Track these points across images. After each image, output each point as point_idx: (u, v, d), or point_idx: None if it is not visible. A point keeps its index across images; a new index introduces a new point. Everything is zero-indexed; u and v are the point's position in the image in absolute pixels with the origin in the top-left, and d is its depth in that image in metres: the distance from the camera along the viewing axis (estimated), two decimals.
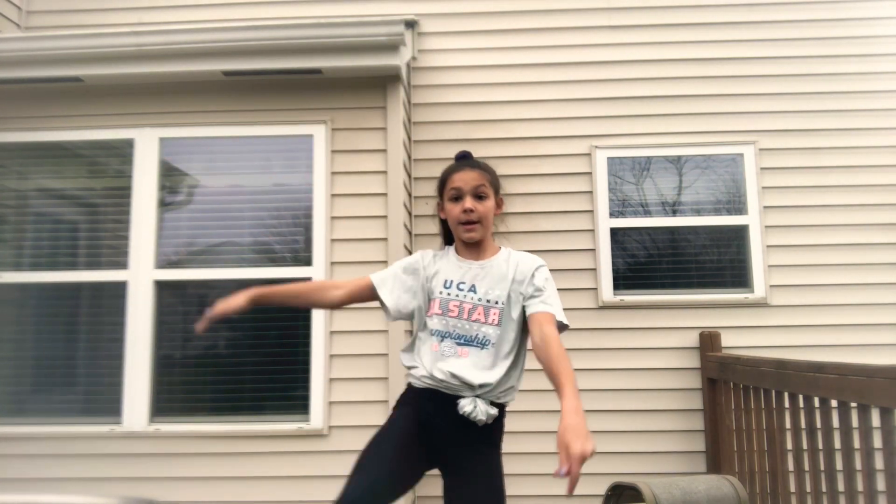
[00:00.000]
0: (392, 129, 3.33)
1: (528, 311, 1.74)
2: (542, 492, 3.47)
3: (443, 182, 1.88)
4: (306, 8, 4.06)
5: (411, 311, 1.85)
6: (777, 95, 3.87)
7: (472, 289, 1.78)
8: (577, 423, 1.38)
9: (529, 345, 1.77)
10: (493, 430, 1.78)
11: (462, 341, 1.74)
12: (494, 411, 1.72)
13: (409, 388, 1.85)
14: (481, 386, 1.72)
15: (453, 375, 1.71)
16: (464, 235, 1.82)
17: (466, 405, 1.69)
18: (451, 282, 1.80)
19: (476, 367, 1.72)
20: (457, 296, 1.77)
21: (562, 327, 1.72)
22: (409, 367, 1.84)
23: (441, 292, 1.79)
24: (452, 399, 1.72)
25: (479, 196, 1.81)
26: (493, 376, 1.72)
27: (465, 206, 1.79)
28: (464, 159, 1.92)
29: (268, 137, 3.42)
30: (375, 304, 1.92)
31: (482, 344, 1.73)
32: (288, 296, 1.95)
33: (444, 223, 1.95)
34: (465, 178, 1.82)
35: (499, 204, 1.89)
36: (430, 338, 1.78)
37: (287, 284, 1.97)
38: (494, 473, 1.75)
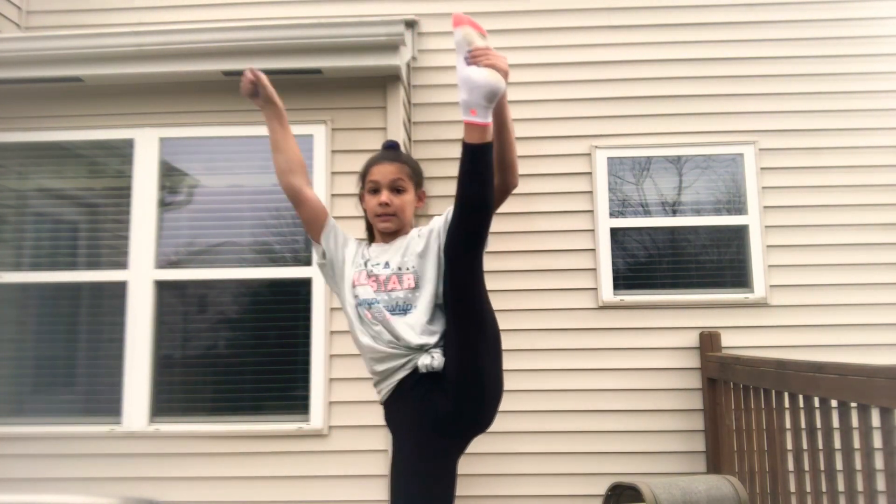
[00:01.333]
0: (392, 129, 3.33)
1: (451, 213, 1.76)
2: (543, 492, 3.47)
3: (364, 174, 1.92)
4: (306, 8, 4.05)
5: (333, 253, 1.89)
6: (777, 95, 3.86)
7: (386, 264, 1.82)
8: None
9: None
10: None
11: (388, 308, 1.76)
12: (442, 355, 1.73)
13: (385, 411, 1.83)
14: (421, 347, 1.72)
15: (397, 337, 1.72)
16: (379, 226, 1.87)
17: (424, 360, 1.70)
18: (369, 259, 1.85)
19: (407, 327, 1.73)
20: (372, 270, 1.81)
21: None
22: (372, 375, 1.82)
23: (361, 265, 1.83)
24: (411, 377, 1.72)
25: (396, 189, 1.85)
26: (426, 336, 1.73)
27: (381, 199, 1.83)
28: (389, 149, 1.95)
29: (268, 137, 3.41)
30: None
31: (404, 310, 1.76)
32: (275, 132, 2.03)
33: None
34: (384, 172, 1.85)
35: (420, 197, 1.93)
36: (360, 310, 1.79)
37: (283, 134, 2.02)
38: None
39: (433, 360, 1.71)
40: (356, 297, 1.81)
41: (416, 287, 1.78)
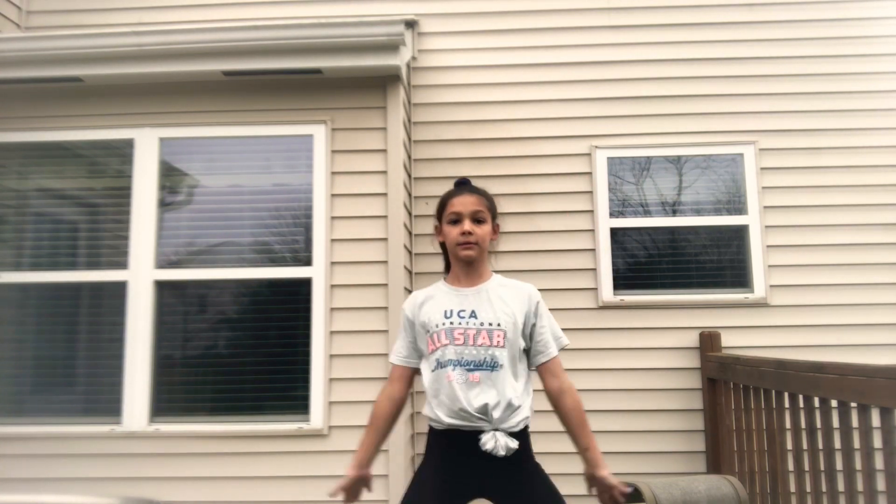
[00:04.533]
0: (392, 129, 3.33)
1: (538, 358, 1.88)
2: None
3: (442, 206, 1.94)
4: (306, 8, 4.06)
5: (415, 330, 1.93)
6: (777, 95, 3.87)
7: (473, 314, 1.82)
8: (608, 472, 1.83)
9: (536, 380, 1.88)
10: (520, 451, 1.79)
11: (472, 366, 1.77)
12: (514, 444, 1.74)
13: (431, 432, 1.87)
14: (496, 406, 1.75)
15: (472, 408, 1.74)
16: (461, 254, 1.87)
17: (487, 441, 1.72)
18: (451, 311, 1.84)
19: (490, 389, 1.76)
20: (459, 323, 1.81)
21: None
22: (430, 418, 1.85)
23: (443, 324, 1.82)
24: (474, 436, 1.75)
25: (477, 220, 1.88)
26: (507, 395, 1.76)
27: (463, 228, 1.85)
28: (463, 185, 1.98)
29: (268, 137, 3.42)
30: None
31: (491, 367, 1.77)
32: (379, 436, 1.92)
33: (444, 246, 1.99)
34: (464, 202, 1.88)
35: (495, 230, 1.96)
36: (441, 370, 1.80)
37: (367, 433, 1.91)
38: (543, 484, 1.84)
39: (496, 445, 1.71)
40: (437, 361, 1.81)
41: (504, 346, 1.79)
